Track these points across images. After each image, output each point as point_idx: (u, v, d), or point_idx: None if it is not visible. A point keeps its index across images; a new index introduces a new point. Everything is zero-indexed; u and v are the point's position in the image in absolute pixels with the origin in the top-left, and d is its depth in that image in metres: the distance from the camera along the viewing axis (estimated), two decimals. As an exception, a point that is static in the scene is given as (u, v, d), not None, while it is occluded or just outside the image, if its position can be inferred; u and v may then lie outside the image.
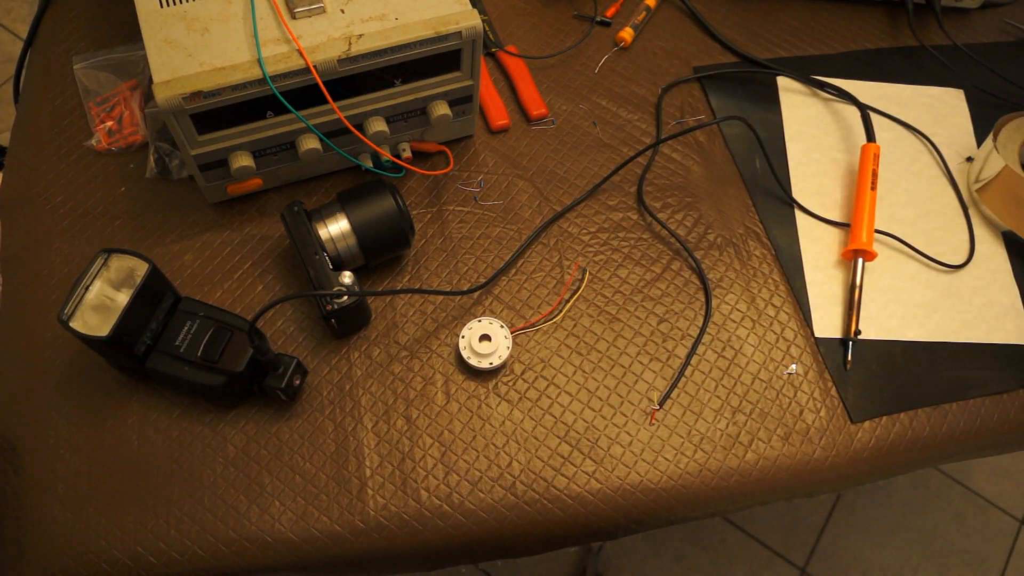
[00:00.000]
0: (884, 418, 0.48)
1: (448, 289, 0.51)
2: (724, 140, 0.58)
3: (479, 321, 0.48)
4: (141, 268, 0.41)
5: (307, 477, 0.44)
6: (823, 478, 0.47)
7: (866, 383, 0.49)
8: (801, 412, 0.48)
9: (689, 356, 0.49)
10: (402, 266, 0.52)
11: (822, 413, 0.48)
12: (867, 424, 0.48)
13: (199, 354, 0.42)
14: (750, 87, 0.61)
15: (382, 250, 0.49)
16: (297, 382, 0.45)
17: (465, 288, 0.51)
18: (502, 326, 0.48)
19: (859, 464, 0.47)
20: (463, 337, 0.47)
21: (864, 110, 0.59)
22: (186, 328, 0.43)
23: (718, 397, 0.48)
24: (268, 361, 0.44)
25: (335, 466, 0.45)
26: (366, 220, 0.47)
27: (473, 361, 0.47)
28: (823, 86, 0.61)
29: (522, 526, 0.43)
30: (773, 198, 0.56)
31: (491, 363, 0.47)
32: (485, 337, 0.48)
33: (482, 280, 0.52)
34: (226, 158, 0.48)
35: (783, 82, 0.61)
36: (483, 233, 0.53)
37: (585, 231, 0.54)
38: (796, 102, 0.60)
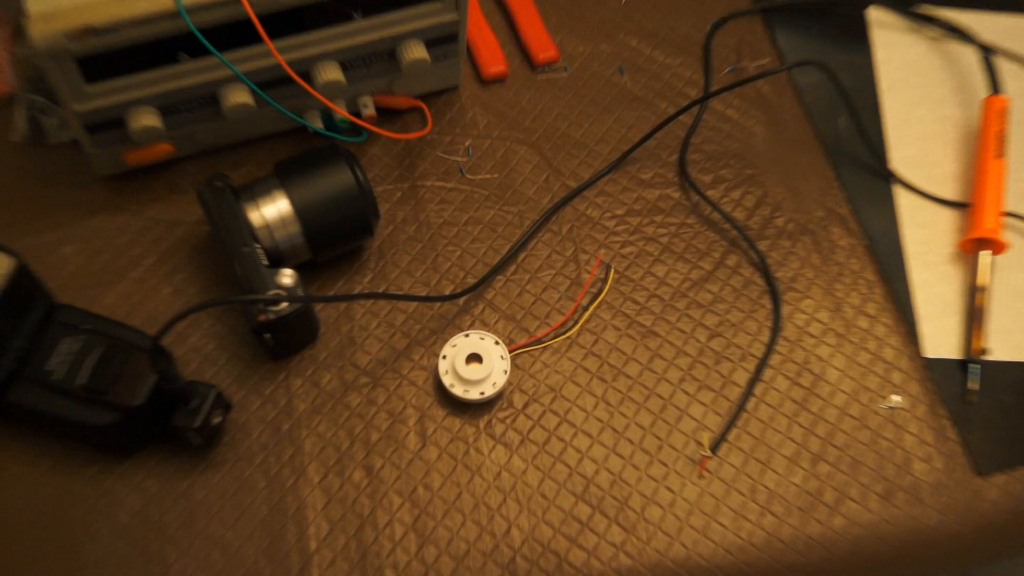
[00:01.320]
0: (1023, 470, 0.47)
1: (424, 294, 0.50)
2: (796, 92, 0.58)
3: (466, 336, 0.47)
4: (3, 265, 0.39)
5: (229, 552, 0.43)
6: (940, 551, 0.45)
7: (997, 421, 0.48)
8: (907, 461, 0.47)
9: (751, 384, 0.48)
10: (362, 261, 0.51)
11: (936, 463, 0.47)
12: (999, 478, 0.47)
13: (82, 382, 0.40)
14: (830, 22, 0.60)
15: (335, 240, 0.48)
16: (217, 420, 0.44)
17: (448, 292, 0.50)
18: (497, 343, 0.47)
19: (989, 532, 0.46)
20: (444, 358, 0.46)
21: (986, 52, 0.58)
22: (64, 346, 0.41)
23: (792, 440, 0.47)
24: (177, 391, 0.42)
25: (267, 536, 0.43)
26: (314, 200, 0.46)
27: (458, 390, 0.46)
28: (929, 20, 0.60)
29: (524, 619, 0.43)
30: (864, 170, 0.56)
31: (482, 393, 0.46)
32: (474, 358, 0.47)
33: (470, 281, 0.51)
34: (123, 116, 0.47)
35: (876, 15, 0.61)
36: (472, 217, 0.53)
37: (609, 214, 0.54)
38: (893, 41, 0.59)
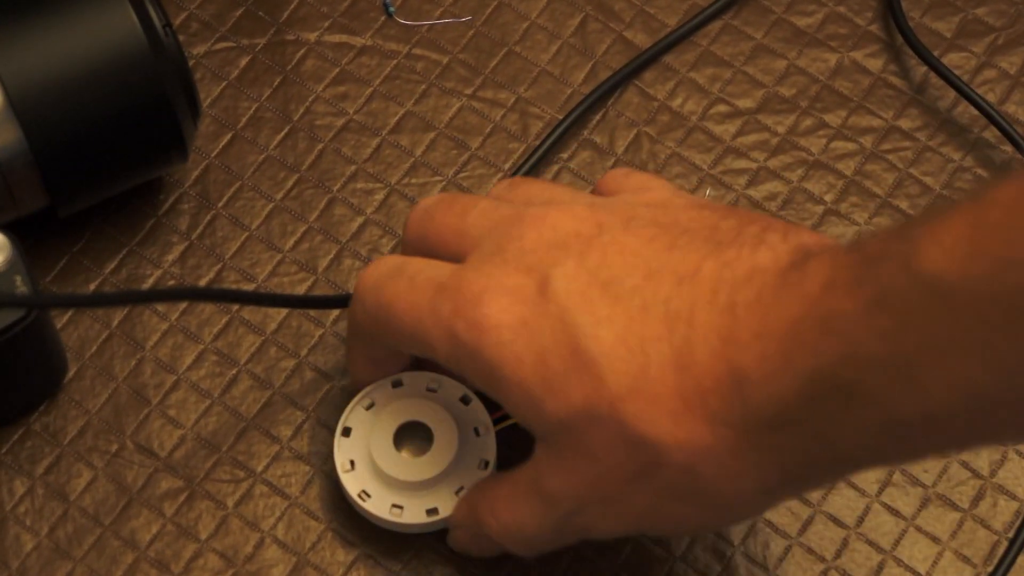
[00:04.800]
0: None
1: (305, 289, 0.51)
2: None
3: (397, 386, 0.48)
4: None
5: None
6: None
7: None
8: None
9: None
10: (164, 216, 0.51)
11: None
12: None
13: None
14: None
15: (100, 165, 0.48)
16: None
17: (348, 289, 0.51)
18: (466, 399, 0.48)
19: None
20: (348, 434, 0.47)
21: None
22: None
23: None
24: None
25: None
26: (48, 72, 0.47)
27: (377, 504, 0.46)
28: None
29: None
30: None
31: (432, 511, 0.46)
32: (416, 432, 0.47)
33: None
34: None
35: None
36: (410, 116, 0.54)
37: (724, 108, 0.55)
38: None
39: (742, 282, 0.34)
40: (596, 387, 0.35)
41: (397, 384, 0.47)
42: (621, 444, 0.35)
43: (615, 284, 0.37)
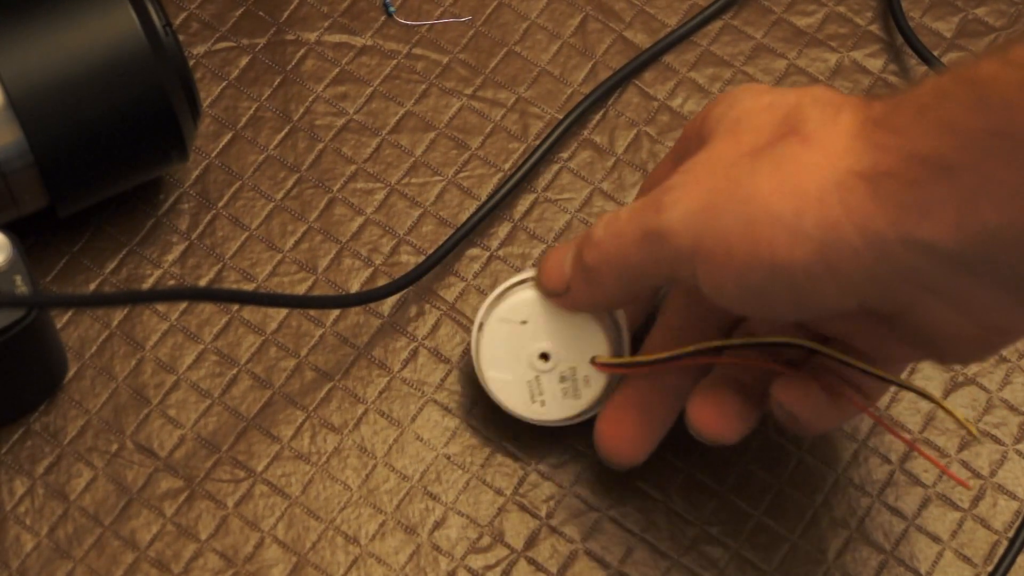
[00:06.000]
0: None
1: (305, 290, 0.51)
2: None
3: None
4: None
5: None
6: None
7: None
8: None
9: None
10: (163, 216, 0.51)
11: None
12: None
13: None
14: None
15: (100, 164, 0.48)
16: None
17: (358, 287, 0.50)
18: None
19: None
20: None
21: None
22: None
23: None
24: None
25: None
26: (48, 71, 0.46)
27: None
28: None
29: None
30: None
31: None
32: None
33: (410, 260, 0.51)
34: None
35: None
36: (411, 116, 0.54)
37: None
38: None
39: None
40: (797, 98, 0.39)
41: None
42: (774, 125, 0.38)
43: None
